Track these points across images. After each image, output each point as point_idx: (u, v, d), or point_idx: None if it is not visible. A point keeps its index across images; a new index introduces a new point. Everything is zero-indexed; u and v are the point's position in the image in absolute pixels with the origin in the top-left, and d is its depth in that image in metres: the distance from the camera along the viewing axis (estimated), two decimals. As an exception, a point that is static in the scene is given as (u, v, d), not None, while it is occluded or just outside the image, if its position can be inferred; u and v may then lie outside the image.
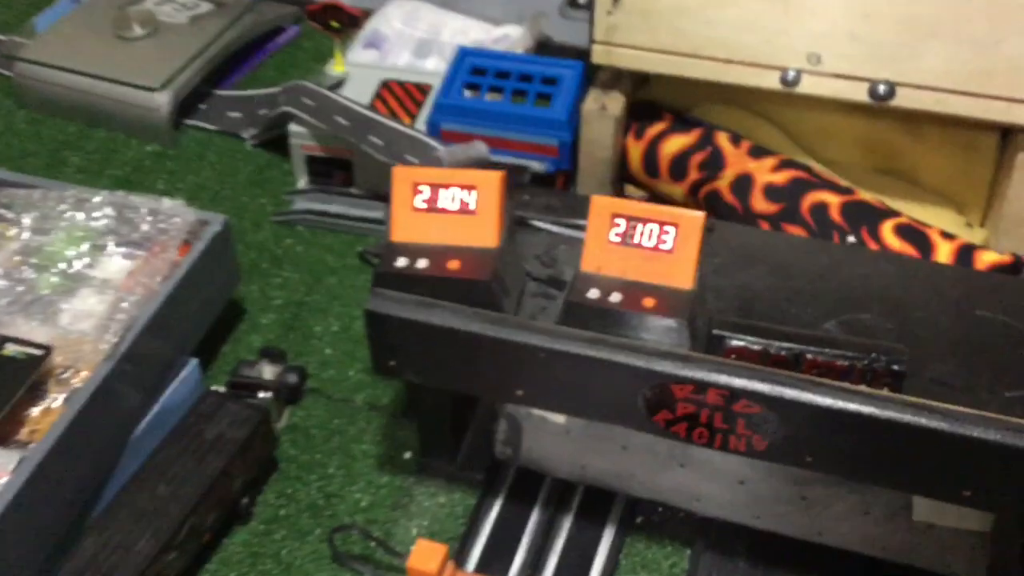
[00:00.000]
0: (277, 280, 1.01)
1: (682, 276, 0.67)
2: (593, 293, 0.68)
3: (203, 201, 1.09)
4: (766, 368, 0.63)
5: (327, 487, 0.83)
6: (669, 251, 0.67)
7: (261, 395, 0.86)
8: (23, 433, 0.75)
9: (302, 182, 1.09)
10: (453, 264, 0.70)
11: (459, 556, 0.77)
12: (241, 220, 1.07)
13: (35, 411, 0.76)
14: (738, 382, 0.63)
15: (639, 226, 0.68)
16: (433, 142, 0.99)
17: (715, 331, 0.66)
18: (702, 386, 0.63)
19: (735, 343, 0.66)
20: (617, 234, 0.69)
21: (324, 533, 0.80)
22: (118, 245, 0.87)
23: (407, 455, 0.85)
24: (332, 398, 0.90)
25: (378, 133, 1.01)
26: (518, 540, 0.78)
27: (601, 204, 0.69)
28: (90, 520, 0.76)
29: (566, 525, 0.79)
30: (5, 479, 0.70)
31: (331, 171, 1.08)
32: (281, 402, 0.88)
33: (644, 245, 0.68)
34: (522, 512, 0.80)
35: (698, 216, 0.67)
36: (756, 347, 0.65)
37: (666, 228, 0.67)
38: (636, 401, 0.66)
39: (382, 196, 1.05)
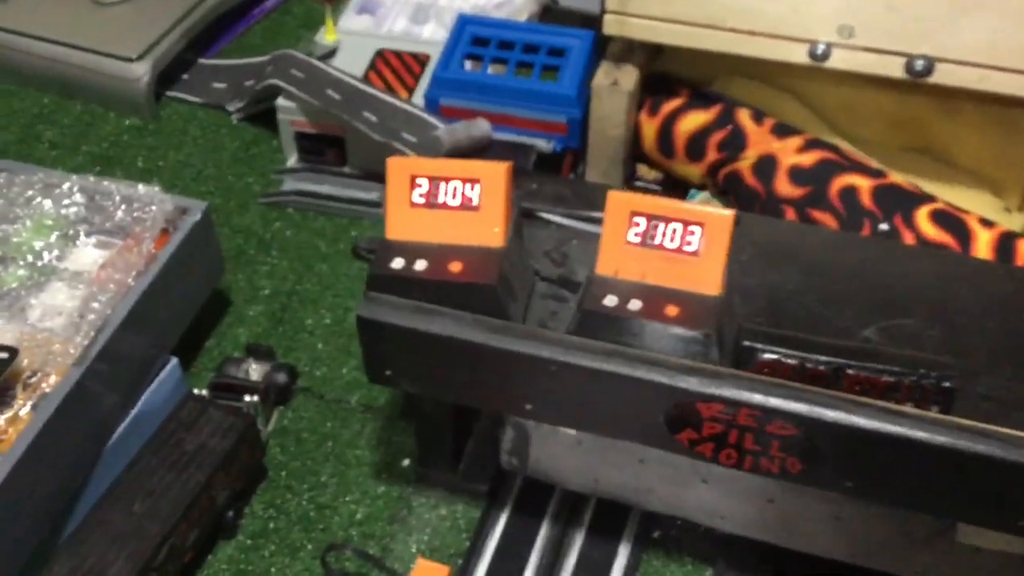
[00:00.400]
0: (265, 268, 0.94)
1: (709, 281, 0.61)
2: (610, 300, 0.61)
3: (185, 180, 1.02)
4: (803, 386, 0.57)
5: (319, 497, 0.77)
6: (694, 253, 0.61)
7: (247, 398, 0.80)
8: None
9: (292, 160, 1.02)
10: (455, 266, 0.64)
11: (463, 575, 0.71)
12: (226, 201, 1.00)
13: (0, 419, 0.70)
14: (773, 402, 0.56)
15: (661, 225, 0.61)
16: (432, 119, 0.92)
17: (745, 342, 0.60)
18: (733, 405, 0.57)
19: (768, 356, 0.59)
20: (636, 234, 0.62)
21: (316, 549, 0.74)
22: (90, 235, 0.81)
23: (405, 462, 0.79)
24: (324, 399, 0.84)
25: (373, 109, 0.94)
26: (526, 557, 0.72)
27: (618, 201, 0.63)
28: (60, 541, 0.70)
29: (578, 541, 0.73)
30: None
31: (323, 148, 1.00)
32: (269, 404, 0.82)
33: (666, 246, 0.62)
34: (530, 527, 0.74)
35: (727, 215, 0.61)
36: (791, 361, 0.59)
37: (691, 228, 0.61)
38: (657, 419, 0.60)
39: (377, 176, 0.98)
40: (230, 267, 0.92)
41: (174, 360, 0.79)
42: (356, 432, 0.81)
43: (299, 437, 0.81)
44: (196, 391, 0.80)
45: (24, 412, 0.70)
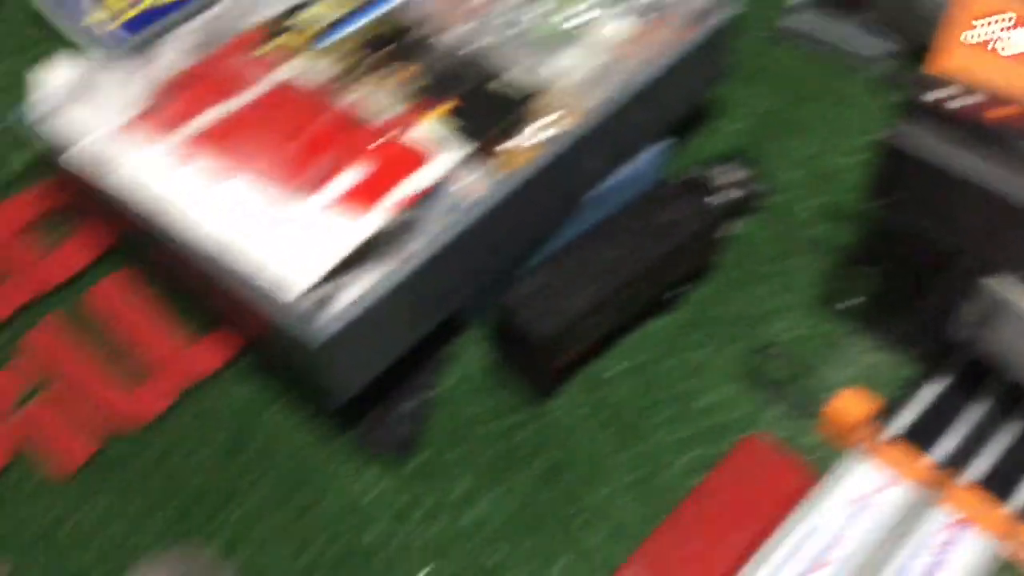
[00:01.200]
0: (748, 92, 0.96)
1: None
2: None
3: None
4: None
5: (755, 308, 0.80)
6: None
7: (712, 198, 0.84)
8: (489, 164, 0.78)
9: (803, -5, 1.01)
10: (1007, 111, 0.61)
11: (882, 419, 0.72)
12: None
13: (505, 146, 0.78)
14: None
15: None
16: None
17: None
18: None
19: None
20: None
21: (739, 349, 0.77)
22: (621, 11, 0.86)
23: (846, 304, 0.79)
24: (782, 223, 0.85)
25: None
26: (948, 428, 0.71)
27: None
28: (530, 265, 0.79)
29: (1007, 437, 0.71)
30: (482, 192, 0.74)
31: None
32: (729, 210, 0.85)
33: None
34: (961, 402, 0.72)
35: None
36: None
37: None
38: None
39: (898, 29, 0.95)
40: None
41: (662, 144, 0.84)
42: (805, 263, 0.82)
43: (749, 250, 0.84)
44: (668, 179, 0.85)
45: (530, 143, 0.78)
